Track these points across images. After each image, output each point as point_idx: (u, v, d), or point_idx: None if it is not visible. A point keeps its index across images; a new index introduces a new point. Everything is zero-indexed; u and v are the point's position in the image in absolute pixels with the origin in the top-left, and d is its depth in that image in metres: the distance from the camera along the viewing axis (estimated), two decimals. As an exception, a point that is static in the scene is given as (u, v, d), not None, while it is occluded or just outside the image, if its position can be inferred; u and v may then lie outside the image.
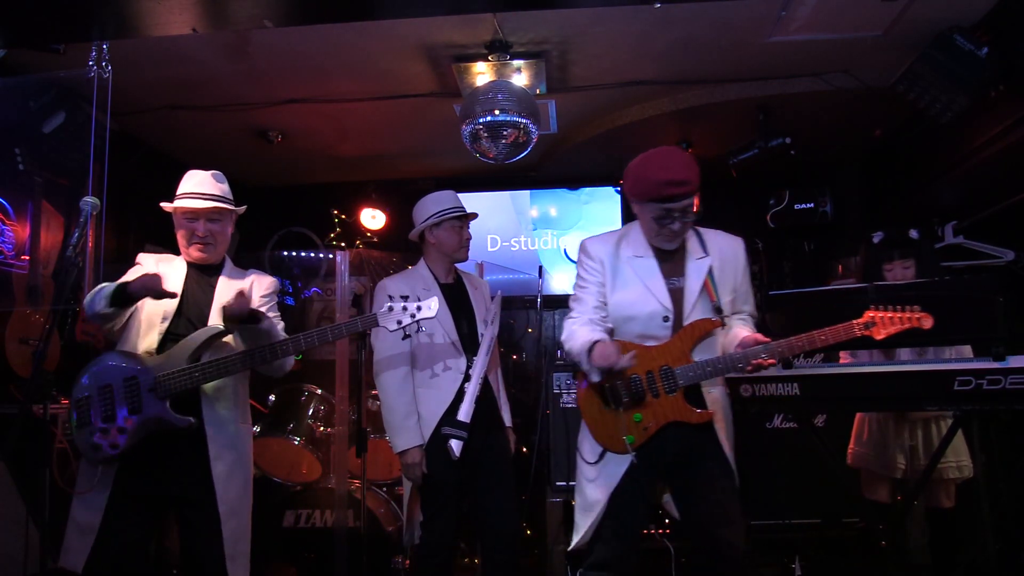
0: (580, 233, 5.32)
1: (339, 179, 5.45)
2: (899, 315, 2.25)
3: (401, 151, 4.97)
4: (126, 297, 2.42)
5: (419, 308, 2.52)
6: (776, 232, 4.82)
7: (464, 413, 2.75)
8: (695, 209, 2.29)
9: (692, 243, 2.39)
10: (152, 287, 2.37)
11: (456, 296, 2.97)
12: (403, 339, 2.82)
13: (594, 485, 2.34)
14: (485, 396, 2.86)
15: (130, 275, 2.57)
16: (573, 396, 3.86)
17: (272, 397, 4.13)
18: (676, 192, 2.20)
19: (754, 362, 2.20)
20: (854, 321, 2.26)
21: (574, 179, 5.37)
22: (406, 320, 2.51)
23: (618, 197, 5.31)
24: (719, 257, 2.37)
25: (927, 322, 2.24)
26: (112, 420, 2.40)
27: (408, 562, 3.49)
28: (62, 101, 3.38)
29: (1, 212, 3.50)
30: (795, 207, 4.62)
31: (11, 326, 3.46)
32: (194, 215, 2.59)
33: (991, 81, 3.14)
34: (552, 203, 5.40)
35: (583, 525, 2.36)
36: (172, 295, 2.44)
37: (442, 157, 5.09)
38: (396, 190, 5.27)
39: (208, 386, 2.48)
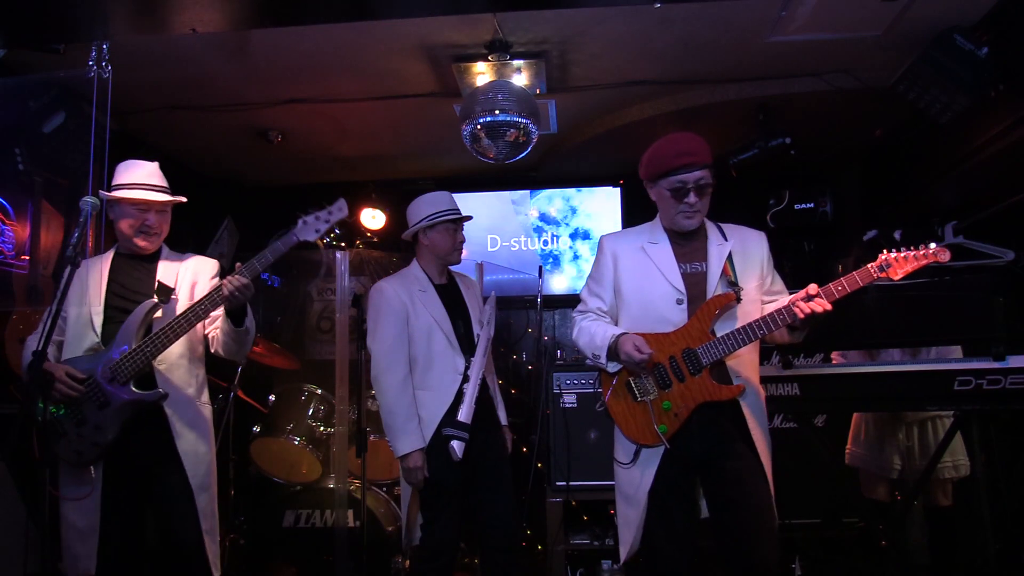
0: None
1: (339, 179, 5.44)
2: (914, 253, 2.21)
3: (401, 151, 4.97)
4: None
5: (330, 212, 2.54)
6: (776, 232, 4.81)
7: (464, 414, 2.76)
8: (711, 186, 2.32)
9: (713, 232, 2.42)
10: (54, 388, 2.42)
11: (451, 297, 2.97)
12: (398, 334, 2.82)
13: (630, 488, 2.33)
14: (482, 396, 2.86)
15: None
16: (573, 396, 3.86)
17: (272, 397, 4.13)
18: (687, 161, 2.27)
19: (795, 310, 2.18)
20: (869, 264, 2.22)
21: (574, 179, 5.36)
22: (323, 227, 2.53)
23: (618, 197, 5.30)
24: (741, 245, 2.39)
25: (944, 255, 2.19)
26: (85, 423, 2.46)
27: (408, 563, 3.49)
28: (62, 101, 3.38)
29: (1, 212, 3.49)
30: (795, 207, 4.62)
31: (11, 326, 3.46)
32: (147, 206, 2.62)
33: (991, 81, 3.14)
34: (552, 203, 5.40)
35: (628, 535, 2.34)
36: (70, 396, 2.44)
37: (442, 157, 5.09)
38: (396, 190, 5.26)
39: (162, 367, 2.54)
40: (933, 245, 2.20)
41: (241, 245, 5.03)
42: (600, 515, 3.92)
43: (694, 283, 2.33)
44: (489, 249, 5.41)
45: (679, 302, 2.31)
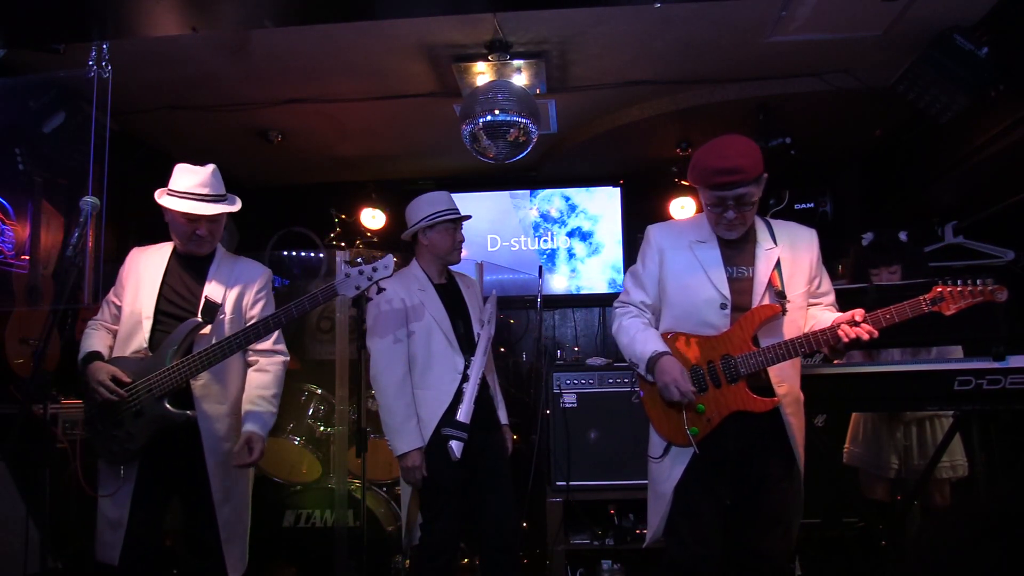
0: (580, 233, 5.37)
1: (339, 179, 5.45)
2: (969, 288, 2.15)
3: (401, 151, 4.97)
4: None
5: (375, 269, 2.51)
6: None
7: (463, 414, 2.75)
8: (754, 199, 2.25)
9: (762, 233, 2.36)
10: (96, 391, 2.49)
11: (451, 296, 2.97)
12: (396, 341, 2.82)
13: (659, 481, 2.34)
14: (482, 396, 2.86)
15: (121, 277, 2.70)
16: (573, 396, 3.86)
17: (272, 397, 4.12)
18: (725, 181, 2.19)
19: (839, 334, 2.16)
20: (921, 297, 2.18)
21: (574, 179, 5.37)
22: (364, 284, 2.50)
23: (618, 197, 5.30)
24: (791, 248, 2.34)
25: (1001, 294, 2.14)
26: (120, 426, 2.50)
27: (408, 563, 3.49)
28: (62, 101, 3.38)
29: (1, 212, 3.49)
30: (795, 207, 4.62)
31: (11, 326, 3.46)
32: (195, 217, 2.60)
33: (991, 81, 3.14)
34: (552, 203, 5.40)
35: (654, 522, 2.37)
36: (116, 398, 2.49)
37: (442, 157, 5.09)
38: (396, 190, 5.26)
39: (198, 384, 2.55)
40: (990, 281, 2.14)
41: (241, 245, 5.02)
42: (600, 515, 3.91)
43: (739, 289, 2.29)
44: (489, 249, 5.41)
45: (723, 307, 2.28)
